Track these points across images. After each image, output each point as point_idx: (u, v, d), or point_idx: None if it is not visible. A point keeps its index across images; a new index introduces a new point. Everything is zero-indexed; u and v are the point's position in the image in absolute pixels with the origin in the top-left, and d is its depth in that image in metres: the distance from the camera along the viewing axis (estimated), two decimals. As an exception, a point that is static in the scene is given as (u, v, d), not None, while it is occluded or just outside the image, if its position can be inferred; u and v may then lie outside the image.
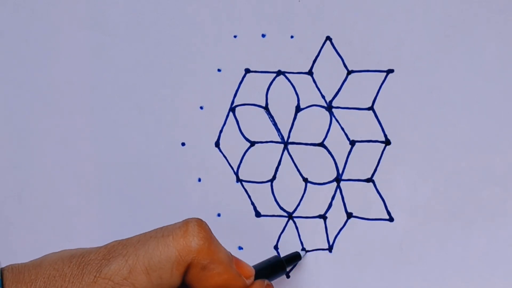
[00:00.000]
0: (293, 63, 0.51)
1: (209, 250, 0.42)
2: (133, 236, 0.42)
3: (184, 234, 0.41)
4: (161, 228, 0.42)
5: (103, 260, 0.41)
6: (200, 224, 0.42)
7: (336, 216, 0.52)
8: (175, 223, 0.42)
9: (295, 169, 0.52)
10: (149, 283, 0.40)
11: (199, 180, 0.52)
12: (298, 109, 0.52)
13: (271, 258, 0.49)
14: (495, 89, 0.50)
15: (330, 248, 0.52)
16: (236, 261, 0.44)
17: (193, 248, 0.41)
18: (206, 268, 0.42)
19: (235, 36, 0.52)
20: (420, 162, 0.51)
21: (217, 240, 0.43)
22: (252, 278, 0.45)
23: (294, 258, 0.51)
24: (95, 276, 0.40)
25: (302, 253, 0.52)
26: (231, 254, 0.44)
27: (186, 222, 0.42)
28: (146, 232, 0.42)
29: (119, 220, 0.53)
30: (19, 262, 0.42)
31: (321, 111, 0.52)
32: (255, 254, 0.52)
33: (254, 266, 0.46)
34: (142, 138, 0.52)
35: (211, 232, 0.42)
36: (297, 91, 0.52)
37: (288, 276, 0.53)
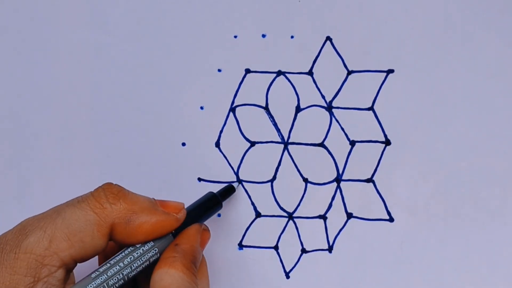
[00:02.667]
0: (293, 63, 0.51)
1: (126, 204, 0.42)
2: (47, 210, 0.42)
3: (97, 198, 0.42)
4: (75, 197, 0.43)
5: (20, 236, 0.41)
6: (110, 185, 0.43)
7: (336, 216, 0.52)
8: (88, 192, 0.43)
9: (295, 169, 0.52)
10: (71, 248, 0.41)
11: (199, 180, 0.52)
12: (298, 109, 0.52)
13: (204, 195, 0.48)
14: (495, 89, 0.50)
15: (330, 249, 0.52)
16: (162, 203, 0.44)
17: (109, 209, 0.42)
18: (130, 221, 0.42)
19: (235, 36, 0.52)
20: (420, 162, 0.51)
21: (132, 193, 0.43)
22: (183, 211, 0.44)
23: (228, 191, 0.50)
24: (15, 253, 0.40)
25: (235, 184, 0.51)
26: (154, 199, 0.44)
27: (97, 188, 0.43)
28: (59, 204, 0.42)
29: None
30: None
31: (321, 111, 0.52)
32: (255, 254, 0.53)
33: (188, 207, 0.46)
34: (142, 138, 0.52)
35: (124, 188, 0.43)
36: (297, 91, 0.52)
37: (288, 277, 0.53)
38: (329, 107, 0.51)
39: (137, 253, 0.42)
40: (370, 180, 0.52)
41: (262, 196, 0.52)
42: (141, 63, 0.52)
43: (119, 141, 0.53)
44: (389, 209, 0.52)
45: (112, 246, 0.45)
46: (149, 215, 0.42)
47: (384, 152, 0.51)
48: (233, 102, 0.52)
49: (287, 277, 0.53)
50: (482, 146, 0.51)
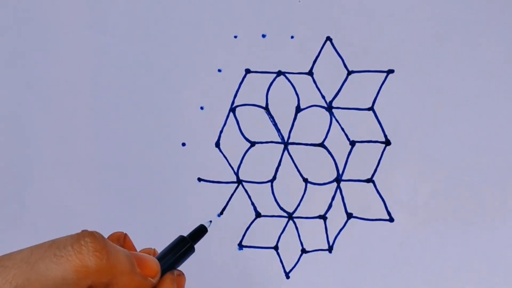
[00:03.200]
0: (293, 64, 0.51)
1: (108, 266, 0.38)
2: (13, 254, 0.38)
3: (78, 254, 0.37)
4: (50, 244, 0.38)
5: None
6: (94, 238, 0.38)
7: (336, 217, 0.52)
8: (66, 238, 0.38)
9: (295, 170, 0.52)
10: None
11: (199, 180, 0.52)
12: (298, 109, 0.52)
13: (175, 239, 0.46)
14: (495, 89, 0.50)
15: (330, 249, 0.52)
16: (138, 261, 0.41)
17: (91, 269, 0.37)
18: (110, 285, 0.39)
19: (235, 37, 0.52)
20: (420, 162, 0.51)
21: (114, 248, 0.39)
22: (158, 274, 0.42)
23: (200, 233, 0.47)
24: None
25: (207, 224, 0.48)
26: (131, 255, 0.40)
27: (78, 237, 0.38)
28: (30, 248, 0.38)
29: (119, 220, 0.53)
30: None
31: (321, 112, 0.52)
32: (255, 255, 0.53)
33: (160, 254, 0.44)
34: (142, 138, 0.52)
35: (107, 242, 0.39)
36: (297, 92, 0.52)
37: (288, 277, 0.53)
38: (329, 107, 0.51)
39: None
40: (370, 180, 0.52)
41: (262, 196, 0.52)
42: (141, 63, 0.52)
43: (119, 141, 0.53)
44: (389, 209, 0.52)
45: None
46: (128, 280, 0.39)
47: (384, 152, 0.51)
48: (233, 102, 0.52)
49: (287, 277, 0.53)
50: (482, 146, 0.51)
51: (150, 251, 0.45)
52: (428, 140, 0.51)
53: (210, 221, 0.47)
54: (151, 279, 0.41)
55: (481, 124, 0.51)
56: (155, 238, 0.53)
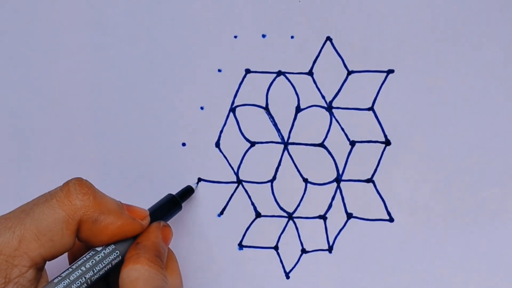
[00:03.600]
0: (293, 63, 0.51)
1: (95, 203, 0.42)
2: (15, 209, 0.42)
3: (66, 195, 0.42)
4: (43, 194, 0.43)
5: None
6: (80, 181, 0.43)
7: (336, 217, 0.52)
8: (57, 187, 0.43)
9: (295, 170, 0.52)
10: (41, 247, 0.41)
11: (199, 180, 0.52)
12: (298, 109, 0.52)
13: (164, 197, 0.49)
14: (495, 89, 0.50)
15: (330, 249, 0.52)
16: (128, 207, 0.44)
17: (78, 205, 0.42)
18: (97, 221, 0.42)
19: (235, 37, 0.52)
20: (420, 162, 0.51)
21: (101, 193, 0.43)
22: (147, 218, 0.45)
23: (187, 192, 0.51)
24: None
25: (194, 185, 0.51)
26: (120, 202, 0.44)
27: (67, 183, 0.43)
28: (27, 202, 0.42)
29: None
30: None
31: (321, 112, 0.52)
32: (255, 255, 0.53)
33: (149, 209, 0.46)
34: (142, 138, 0.52)
35: (94, 187, 0.43)
36: (297, 92, 0.52)
37: (288, 277, 0.53)
38: (329, 107, 0.51)
39: (99, 257, 0.42)
40: (370, 180, 0.52)
41: (262, 196, 0.52)
42: (141, 63, 0.52)
43: (119, 141, 0.53)
44: (389, 209, 0.52)
45: (79, 247, 0.46)
46: (115, 218, 0.43)
47: (384, 152, 0.51)
48: (233, 102, 0.52)
49: (287, 277, 0.53)
50: (482, 146, 0.51)
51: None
52: (428, 140, 0.51)
53: (197, 183, 0.51)
54: (139, 220, 0.44)
55: (481, 124, 0.51)
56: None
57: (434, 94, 0.51)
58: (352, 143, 0.52)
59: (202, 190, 0.52)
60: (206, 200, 0.52)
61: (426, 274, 0.52)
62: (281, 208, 0.52)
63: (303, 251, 0.52)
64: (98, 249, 0.43)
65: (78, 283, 0.41)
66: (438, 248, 0.51)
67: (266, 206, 0.52)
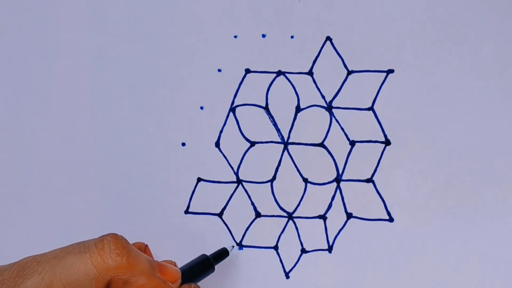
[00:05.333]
0: (293, 63, 0.51)
1: (128, 264, 0.41)
2: (48, 252, 0.42)
3: (100, 251, 0.41)
4: (78, 244, 0.42)
5: (17, 278, 0.40)
6: (116, 239, 0.42)
7: (336, 217, 0.52)
8: (92, 239, 0.42)
9: (295, 169, 0.52)
10: None
11: (199, 180, 0.52)
12: (298, 109, 0.52)
13: (198, 257, 0.49)
14: (495, 89, 0.50)
15: (330, 249, 0.52)
16: (160, 267, 0.44)
17: (111, 265, 0.41)
18: (128, 282, 0.41)
19: (235, 37, 0.52)
20: (420, 162, 0.51)
21: (136, 251, 0.42)
22: (178, 281, 0.44)
23: (221, 255, 0.51)
24: None
25: (229, 248, 0.51)
26: (154, 261, 0.43)
27: (102, 238, 0.42)
28: (61, 248, 0.42)
29: (119, 220, 0.53)
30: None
31: (321, 111, 0.52)
32: (256, 255, 0.53)
33: (181, 268, 0.46)
34: (142, 138, 0.52)
35: (129, 244, 0.42)
36: (297, 91, 0.52)
37: (288, 277, 0.53)
38: (329, 107, 0.51)
39: None
40: (370, 180, 0.52)
41: (262, 196, 0.52)
42: (141, 63, 0.52)
43: (119, 141, 0.53)
44: (389, 209, 0.52)
45: None
46: (147, 280, 0.42)
47: (384, 152, 0.51)
48: (233, 102, 0.52)
49: (287, 277, 0.53)
50: (482, 146, 0.51)
51: (171, 263, 0.47)
52: (428, 140, 0.51)
53: (233, 246, 0.51)
54: (170, 284, 0.43)
55: (481, 124, 0.51)
56: (155, 237, 0.53)
57: (434, 94, 0.51)
58: (352, 143, 0.52)
59: (202, 190, 0.52)
60: (206, 200, 0.52)
61: (426, 273, 0.52)
62: (281, 208, 0.52)
63: (303, 251, 0.52)
64: None
65: None
66: (437, 248, 0.51)
67: (266, 206, 0.52)
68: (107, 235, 0.42)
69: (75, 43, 0.52)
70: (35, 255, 0.41)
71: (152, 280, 0.42)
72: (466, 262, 0.51)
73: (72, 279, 0.40)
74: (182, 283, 0.45)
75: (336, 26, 0.51)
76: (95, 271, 0.40)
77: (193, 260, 0.49)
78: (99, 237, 0.42)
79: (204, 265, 0.49)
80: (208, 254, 0.50)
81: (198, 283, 0.48)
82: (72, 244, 0.42)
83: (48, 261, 0.41)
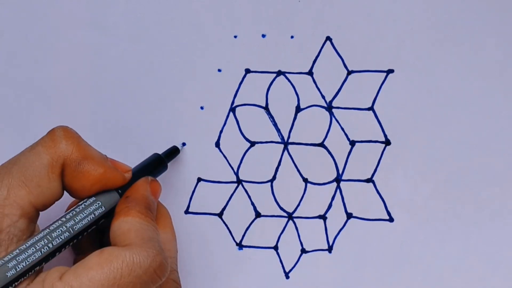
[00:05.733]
0: (293, 63, 0.51)
1: (79, 148, 0.43)
2: (4, 162, 0.43)
3: (51, 140, 0.42)
4: (29, 145, 0.43)
5: None
6: (66, 128, 0.43)
7: (336, 217, 0.52)
8: (42, 136, 0.43)
9: (295, 169, 0.52)
10: (30, 194, 0.41)
11: (199, 180, 0.52)
12: (298, 109, 0.52)
13: (149, 156, 0.50)
14: (495, 89, 0.50)
15: (330, 249, 0.52)
16: (112, 161, 0.45)
17: (63, 149, 0.42)
18: (80, 165, 0.42)
19: (235, 36, 0.52)
20: (420, 162, 0.51)
21: (86, 142, 0.44)
22: (130, 172, 0.46)
23: (173, 152, 0.51)
24: None
25: (180, 146, 0.52)
26: (104, 155, 0.45)
27: (52, 129, 0.43)
28: (15, 155, 0.43)
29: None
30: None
31: (321, 111, 0.52)
32: (255, 255, 0.52)
33: (134, 168, 0.47)
34: (142, 138, 0.52)
35: (79, 135, 0.44)
36: (297, 91, 0.52)
37: (287, 277, 0.53)
38: (329, 107, 0.51)
39: (79, 208, 0.43)
40: (370, 180, 0.52)
41: (262, 196, 0.52)
42: (141, 63, 0.52)
43: (119, 141, 0.53)
44: (389, 209, 0.52)
45: None
46: (98, 165, 0.43)
47: (384, 152, 0.51)
48: (233, 102, 0.52)
49: (287, 277, 0.53)
50: (482, 146, 0.51)
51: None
52: (428, 140, 0.51)
53: (183, 143, 0.51)
54: (122, 173, 0.44)
55: (481, 124, 0.51)
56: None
57: (434, 94, 0.51)
58: (352, 143, 0.52)
59: (202, 190, 0.52)
60: (206, 200, 0.52)
61: (426, 274, 0.52)
62: (281, 208, 0.52)
63: (303, 251, 0.52)
64: (80, 202, 0.44)
65: (59, 231, 0.42)
66: (438, 248, 0.51)
67: (266, 206, 0.52)
68: (57, 126, 0.43)
69: (75, 43, 0.52)
70: None
71: (104, 166, 0.43)
72: (466, 262, 0.51)
73: (29, 172, 0.41)
74: (136, 179, 0.46)
75: (336, 26, 0.51)
76: (48, 157, 0.42)
77: (145, 160, 0.49)
78: (49, 130, 0.43)
79: (156, 162, 0.49)
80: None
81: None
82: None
83: (4, 167, 0.42)
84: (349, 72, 0.51)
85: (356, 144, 0.52)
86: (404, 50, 0.51)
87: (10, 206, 0.41)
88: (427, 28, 0.50)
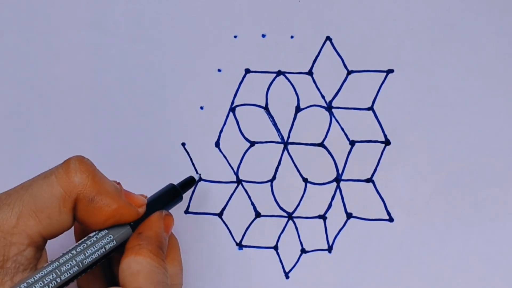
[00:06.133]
0: (293, 63, 0.51)
1: (94, 182, 0.42)
2: (16, 186, 0.42)
3: (66, 172, 0.41)
4: (45, 171, 0.42)
5: None
6: (81, 159, 0.42)
7: (336, 217, 0.52)
8: (57, 165, 0.42)
9: (295, 169, 0.52)
10: (39, 225, 0.41)
11: (199, 180, 0.52)
12: (298, 109, 0.52)
13: (164, 187, 0.49)
14: (495, 89, 0.50)
15: (329, 249, 0.52)
16: (126, 193, 0.44)
17: (77, 183, 0.41)
18: (94, 200, 0.42)
19: (235, 36, 0.52)
20: (420, 162, 0.51)
21: (101, 174, 0.43)
22: (144, 206, 0.44)
23: (189, 183, 0.50)
24: None
25: (196, 176, 0.51)
26: (120, 187, 0.44)
27: (68, 160, 0.42)
28: (29, 179, 0.42)
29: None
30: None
31: (321, 111, 0.52)
32: (255, 254, 0.52)
33: (148, 199, 0.46)
34: (142, 138, 0.52)
35: (94, 166, 0.43)
36: (297, 91, 0.52)
37: (287, 277, 0.53)
38: (329, 107, 0.51)
39: (91, 241, 0.42)
40: (370, 180, 0.52)
41: (262, 196, 0.52)
42: (141, 63, 0.52)
43: (119, 141, 0.53)
44: (388, 209, 0.52)
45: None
46: (112, 200, 0.42)
47: (384, 152, 0.51)
48: (233, 102, 0.52)
49: (287, 277, 0.53)
50: (482, 146, 0.51)
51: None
52: (428, 140, 0.51)
53: (199, 174, 0.51)
54: (136, 207, 0.43)
55: (481, 124, 0.51)
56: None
57: (434, 94, 0.51)
58: (352, 143, 0.52)
59: (202, 190, 0.52)
60: (206, 200, 0.52)
61: (426, 274, 0.52)
62: (281, 208, 0.52)
63: (303, 251, 0.52)
64: (91, 234, 0.43)
65: (68, 266, 0.41)
66: (438, 248, 0.51)
67: (266, 206, 0.52)
68: (72, 157, 0.42)
69: (75, 43, 0.52)
70: (5, 191, 0.42)
71: (118, 201, 0.42)
72: (466, 262, 0.51)
73: (41, 203, 0.41)
74: (150, 212, 0.45)
75: (336, 26, 0.51)
76: (61, 190, 0.41)
77: (160, 190, 0.48)
78: (64, 161, 0.42)
79: (172, 193, 0.48)
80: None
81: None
82: (38, 174, 0.42)
83: (16, 192, 0.41)
84: (349, 72, 0.51)
85: (356, 144, 0.52)
86: (404, 50, 0.51)
87: (19, 235, 0.40)
88: (427, 28, 0.50)
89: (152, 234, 0.43)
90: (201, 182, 0.52)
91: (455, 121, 0.51)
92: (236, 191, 0.52)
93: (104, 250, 0.43)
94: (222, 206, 0.52)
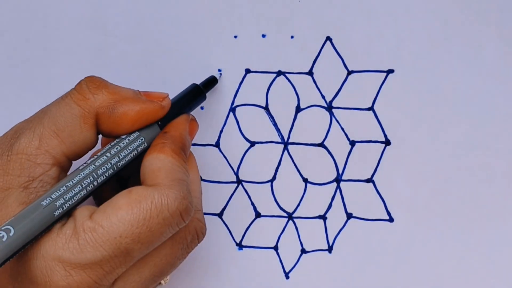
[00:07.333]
0: (293, 63, 0.51)
1: (109, 93, 0.42)
2: (35, 112, 0.43)
3: (80, 91, 0.42)
4: (59, 97, 0.43)
5: (11, 140, 0.41)
6: (91, 78, 0.43)
7: (336, 217, 0.52)
8: (71, 89, 0.43)
9: (295, 169, 0.52)
10: (62, 145, 0.41)
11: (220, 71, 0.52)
12: (298, 109, 0.52)
13: (188, 87, 0.49)
14: (495, 89, 0.50)
15: (330, 249, 0.52)
16: (145, 93, 0.44)
17: (92, 99, 0.42)
18: (115, 109, 0.42)
19: (235, 36, 0.52)
20: (420, 162, 0.51)
21: (114, 84, 0.43)
22: (167, 99, 0.44)
23: (211, 82, 0.50)
24: (8, 155, 0.41)
25: (217, 75, 0.51)
26: (137, 90, 0.44)
27: (79, 81, 0.43)
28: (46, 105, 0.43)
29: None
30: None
31: (321, 111, 0.52)
32: (255, 255, 0.53)
33: (172, 99, 0.46)
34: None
35: (105, 80, 0.43)
36: (297, 91, 0.52)
37: (287, 277, 0.53)
38: (329, 107, 0.51)
39: (123, 143, 0.42)
40: (370, 180, 0.52)
41: (262, 196, 0.52)
42: (140, 63, 0.52)
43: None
44: (389, 209, 0.52)
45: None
46: (133, 103, 0.42)
47: (384, 152, 0.51)
48: (233, 102, 0.52)
49: (287, 277, 0.53)
50: (482, 146, 0.51)
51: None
52: (428, 140, 0.51)
53: (220, 73, 0.51)
54: (159, 102, 0.43)
55: (481, 124, 0.51)
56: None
57: (434, 94, 0.51)
58: (352, 143, 0.52)
59: (202, 190, 0.52)
60: (206, 200, 0.52)
61: (426, 274, 0.52)
62: (281, 208, 0.52)
63: (303, 251, 0.52)
64: (123, 136, 0.43)
65: (103, 169, 0.41)
66: (438, 248, 0.51)
67: (266, 206, 0.52)
68: (83, 79, 0.43)
69: (75, 43, 0.52)
70: (25, 119, 0.43)
71: (139, 102, 0.43)
72: (466, 262, 0.51)
73: (61, 122, 0.41)
74: (176, 113, 0.45)
75: (336, 26, 0.51)
76: (79, 108, 0.41)
77: (183, 91, 0.48)
78: (77, 83, 0.43)
79: (195, 92, 0.48)
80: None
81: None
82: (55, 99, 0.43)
83: (35, 117, 0.42)
84: (349, 72, 0.51)
85: (356, 144, 0.52)
86: (404, 50, 0.51)
87: (43, 156, 0.40)
88: (427, 28, 0.50)
89: (176, 134, 0.44)
90: (201, 182, 0.52)
91: (455, 121, 0.51)
92: (236, 191, 0.52)
93: (136, 152, 0.43)
94: (222, 206, 0.52)
